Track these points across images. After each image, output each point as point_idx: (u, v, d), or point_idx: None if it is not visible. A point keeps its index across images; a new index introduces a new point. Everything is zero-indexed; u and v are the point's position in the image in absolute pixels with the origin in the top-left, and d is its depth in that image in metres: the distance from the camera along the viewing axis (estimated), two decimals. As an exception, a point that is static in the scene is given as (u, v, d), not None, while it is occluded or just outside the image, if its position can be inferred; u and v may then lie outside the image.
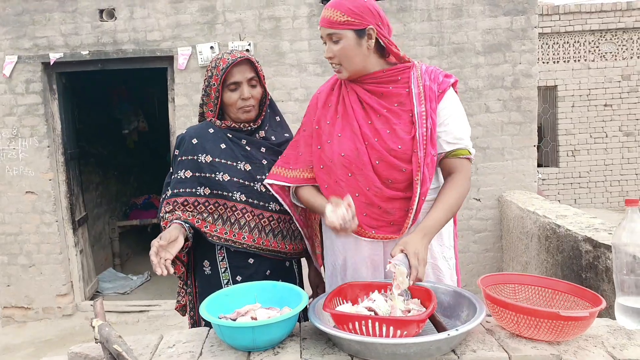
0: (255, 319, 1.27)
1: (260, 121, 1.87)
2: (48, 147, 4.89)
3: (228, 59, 1.76)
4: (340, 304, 1.36)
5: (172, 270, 1.49)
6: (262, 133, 1.87)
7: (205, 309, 1.29)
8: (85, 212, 5.54)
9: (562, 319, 1.13)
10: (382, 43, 1.58)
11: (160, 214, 1.79)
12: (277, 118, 1.97)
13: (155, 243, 1.50)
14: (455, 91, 1.65)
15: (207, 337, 1.34)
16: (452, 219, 1.65)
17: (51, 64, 4.75)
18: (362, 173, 1.58)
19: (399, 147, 1.54)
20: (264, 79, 1.85)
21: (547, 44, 8.76)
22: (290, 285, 1.47)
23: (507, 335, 1.24)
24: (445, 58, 4.58)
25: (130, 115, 7.20)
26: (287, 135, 1.95)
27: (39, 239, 4.95)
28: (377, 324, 1.14)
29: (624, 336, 1.22)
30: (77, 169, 5.39)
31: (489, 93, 4.59)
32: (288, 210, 1.80)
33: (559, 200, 8.84)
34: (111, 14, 4.74)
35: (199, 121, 1.93)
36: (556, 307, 1.33)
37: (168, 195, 1.79)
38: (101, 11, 4.74)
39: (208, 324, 1.41)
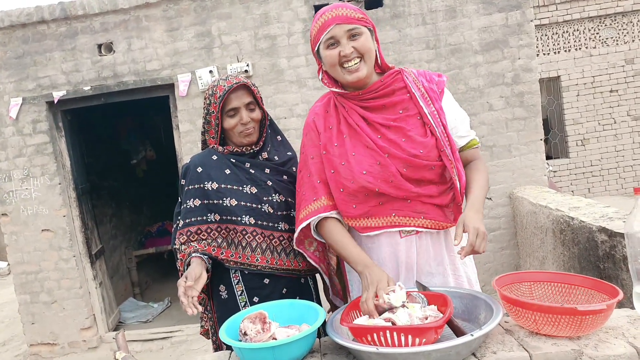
0: (275, 338, 1.28)
1: (262, 143, 1.89)
2: (59, 184, 4.96)
3: (224, 85, 1.77)
4: (357, 317, 1.37)
5: (200, 309, 1.50)
6: (264, 154, 1.89)
7: (225, 332, 1.31)
8: (102, 244, 5.59)
9: (580, 314, 1.13)
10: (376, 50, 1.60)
11: (175, 246, 1.82)
12: (279, 137, 1.98)
13: (182, 283, 1.52)
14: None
15: (229, 359, 1.35)
16: None
17: (55, 102, 4.83)
18: (392, 185, 1.54)
19: (421, 151, 1.54)
20: (261, 101, 1.87)
21: (546, 35, 8.75)
22: (307, 302, 1.48)
23: (527, 334, 1.23)
24: (443, 60, 4.59)
25: (138, 145, 7.29)
26: (289, 153, 1.97)
27: (59, 275, 5.01)
28: (395, 333, 1.15)
29: (645, 325, 1.21)
30: (90, 203, 5.46)
31: (491, 91, 4.59)
32: (300, 250, 1.77)
33: (572, 191, 8.76)
34: (109, 48, 4.82)
35: (202, 148, 1.95)
36: (573, 301, 1.32)
37: (180, 225, 1.81)
38: (99, 46, 4.82)
39: (230, 347, 1.42)
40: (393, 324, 1.24)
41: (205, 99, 1.84)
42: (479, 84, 4.59)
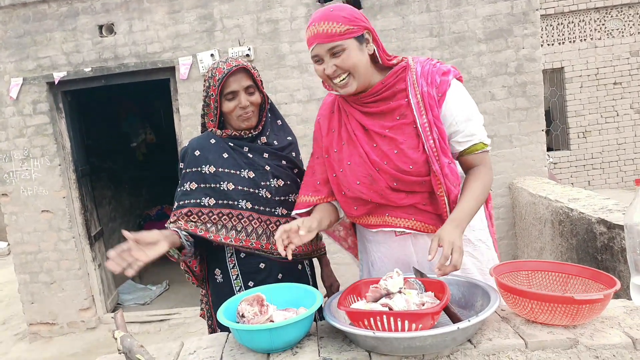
0: (272, 321, 1.29)
1: (261, 127, 1.86)
2: (59, 165, 4.96)
3: (224, 68, 1.75)
4: (355, 302, 1.37)
5: (131, 273, 1.45)
6: (263, 139, 1.87)
7: (223, 314, 1.31)
8: (101, 226, 5.61)
9: (576, 303, 1.13)
10: (375, 50, 1.53)
11: (166, 226, 1.80)
12: (279, 122, 1.97)
13: (130, 237, 1.45)
14: (460, 80, 1.59)
15: (226, 341, 1.36)
16: (483, 214, 1.71)
17: (56, 83, 4.82)
18: (382, 197, 1.57)
19: (410, 167, 1.52)
20: (261, 84, 1.84)
21: (551, 25, 8.68)
22: (305, 286, 1.48)
23: (523, 322, 1.24)
24: (446, 48, 4.56)
25: (138, 128, 7.27)
26: (289, 138, 1.96)
27: (58, 256, 5.04)
28: (391, 318, 1.15)
29: (641, 315, 1.22)
30: (89, 185, 5.46)
31: (493, 80, 4.57)
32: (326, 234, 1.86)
33: (572, 184, 8.76)
34: (110, 29, 4.79)
35: (202, 131, 1.94)
36: (570, 291, 1.33)
37: (174, 208, 1.80)
38: (100, 27, 4.79)
39: (226, 329, 1.43)
40: (390, 309, 1.24)
41: (205, 81, 1.81)
42: (482, 73, 4.57)
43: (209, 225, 1.75)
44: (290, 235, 1.44)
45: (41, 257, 5.04)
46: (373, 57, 1.55)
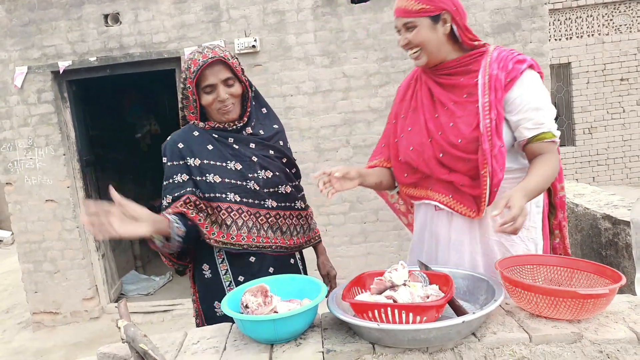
0: (277, 312, 1.29)
1: (246, 118, 1.79)
2: (64, 155, 4.96)
3: (199, 60, 1.66)
4: (359, 294, 1.37)
5: (99, 237, 1.36)
6: (249, 129, 1.80)
7: (227, 305, 1.31)
8: (105, 216, 5.61)
9: (581, 297, 1.13)
10: (455, 29, 1.59)
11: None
12: (264, 110, 1.90)
13: (116, 197, 1.38)
14: (540, 73, 1.61)
15: (230, 332, 1.36)
16: (541, 201, 1.70)
17: (61, 72, 4.81)
18: (427, 166, 1.65)
19: (459, 141, 1.57)
20: (242, 73, 1.75)
21: (559, 20, 8.61)
22: (309, 277, 1.48)
23: (527, 316, 1.24)
24: (453, 42, 4.53)
25: (142, 119, 7.26)
26: (276, 126, 1.90)
27: (62, 246, 5.05)
28: (396, 311, 1.15)
29: (646, 311, 1.21)
30: (94, 175, 5.47)
31: (500, 74, 4.53)
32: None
33: (576, 180, 8.72)
34: (116, 19, 4.77)
35: (181, 124, 1.84)
36: (575, 285, 1.33)
37: (169, 201, 1.70)
38: (106, 16, 4.77)
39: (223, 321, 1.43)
40: (394, 301, 1.24)
41: (182, 71, 1.72)
42: (488, 67, 4.53)
43: (204, 215, 1.69)
44: (331, 180, 1.57)
45: (45, 247, 5.06)
46: (454, 35, 1.62)
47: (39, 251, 5.07)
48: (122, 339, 1.24)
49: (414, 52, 1.63)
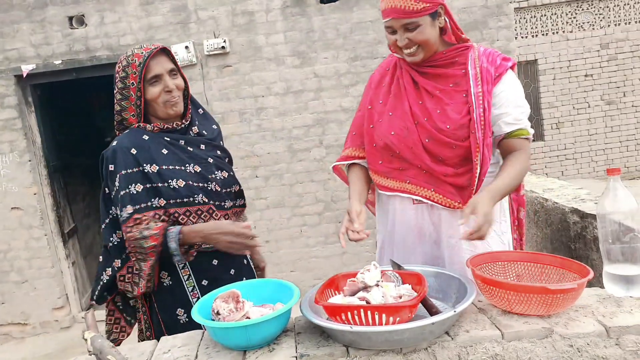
0: (249, 317, 1.27)
1: (189, 116, 1.78)
2: (29, 161, 4.82)
3: (142, 53, 1.63)
4: (333, 296, 1.36)
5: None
6: (195, 129, 1.78)
7: (197, 312, 1.29)
8: (75, 223, 5.49)
9: (551, 293, 1.14)
10: (448, 22, 1.61)
11: (131, 234, 1.60)
12: (200, 111, 1.88)
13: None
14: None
15: (201, 339, 1.33)
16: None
17: (24, 76, 4.67)
18: (411, 152, 1.62)
19: (448, 126, 1.57)
20: (180, 69, 1.74)
21: (524, 18, 8.78)
22: (282, 281, 1.46)
23: (499, 313, 1.24)
24: (422, 40, 4.57)
25: (112, 122, 7.11)
26: (214, 127, 1.88)
27: (30, 254, 4.90)
28: (369, 312, 1.14)
29: (613, 304, 1.23)
30: (62, 180, 5.33)
31: (469, 72, 4.59)
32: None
33: (546, 174, 8.91)
34: (81, 21, 4.66)
35: (117, 129, 1.77)
36: (546, 281, 1.34)
37: (126, 215, 1.61)
38: (70, 18, 4.66)
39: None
40: (367, 303, 1.24)
41: (117, 72, 1.67)
42: (458, 66, 4.58)
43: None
44: (354, 231, 1.52)
45: (11, 256, 4.91)
46: (442, 29, 1.62)
47: (4, 261, 4.91)
48: (89, 351, 1.20)
49: (412, 50, 1.58)
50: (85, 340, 1.21)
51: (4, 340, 5.01)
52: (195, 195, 1.67)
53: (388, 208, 1.77)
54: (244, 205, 1.93)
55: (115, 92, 1.70)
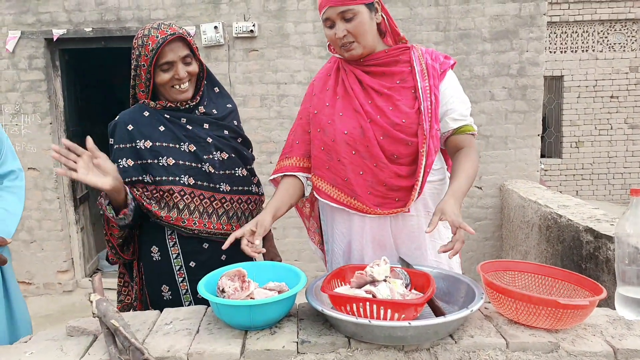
0: (253, 298, 1.27)
1: (198, 97, 1.73)
2: (50, 124, 4.87)
3: (157, 37, 1.58)
4: (339, 286, 1.36)
5: (61, 172, 1.46)
6: (201, 109, 1.74)
7: (204, 287, 1.29)
8: (87, 190, 5.54)
9: (561, 307, 1.12)
10: (382, 22, 1.61)
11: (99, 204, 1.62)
12: (216, 89, 1.83)
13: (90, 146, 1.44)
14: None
15: (204, 315, 1.34)
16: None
17: (54, 40, 4.71)
18: (367, 150, 1.59)
19: (403, 120, 1.57)
20: (197, 51, 1.69)
21: (554, 33, 8.66)
22: (289, 266, 1.46)
23: (506, 321, 1.23)
24: (451, 44, 4.53)
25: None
26: (229, 105, 1.83)
27: (41, 216, 4.97)
28: (374, 306, 1.14)
29: (624, 326, 1.21)
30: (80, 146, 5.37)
31: (494, 80, 4.55)
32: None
33: (560, 192, 8.80)
34: (115, -9, 4.68)
35: (132, 103, 1.76)
36: (555, 295, 1.32)
37: None
38: (105, -13, 4.68)
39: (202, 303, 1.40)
40: (373, 296, 1.23)
41: (134, 48, 1.63)
42: (484, 72, 4.54)
43: (152, 201, 1.65)
44: (249, 242, 1.49)
45: (23, 215, 4.94)
46: (378, 27, 1.62)
47: (16, 219, 4.97)
48: (94, 314, 1.21)
49: (350, 44, 1.55)
50: (91, 302, 1.22)
51: (8, 297, 5.08)
52: (182, 176, 1.65)
53: (336, 219, 1.72)
54: (255, 193, 1.85)
55: (132, 66, 1.68)
